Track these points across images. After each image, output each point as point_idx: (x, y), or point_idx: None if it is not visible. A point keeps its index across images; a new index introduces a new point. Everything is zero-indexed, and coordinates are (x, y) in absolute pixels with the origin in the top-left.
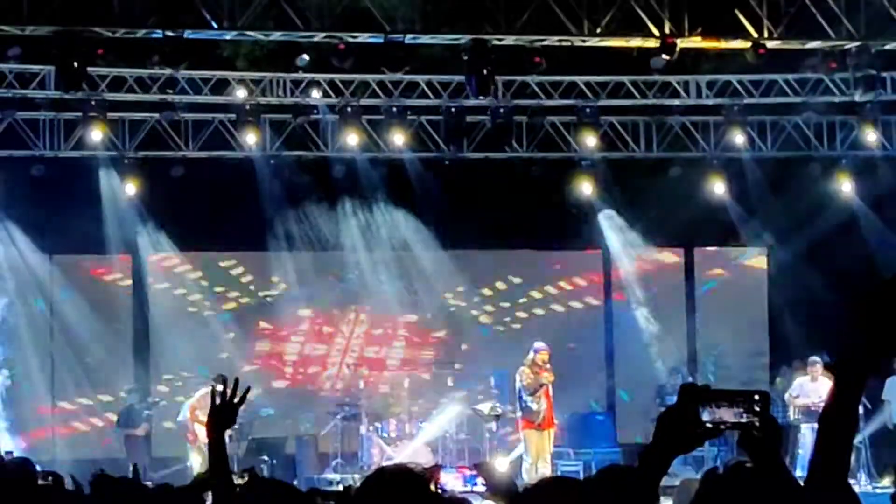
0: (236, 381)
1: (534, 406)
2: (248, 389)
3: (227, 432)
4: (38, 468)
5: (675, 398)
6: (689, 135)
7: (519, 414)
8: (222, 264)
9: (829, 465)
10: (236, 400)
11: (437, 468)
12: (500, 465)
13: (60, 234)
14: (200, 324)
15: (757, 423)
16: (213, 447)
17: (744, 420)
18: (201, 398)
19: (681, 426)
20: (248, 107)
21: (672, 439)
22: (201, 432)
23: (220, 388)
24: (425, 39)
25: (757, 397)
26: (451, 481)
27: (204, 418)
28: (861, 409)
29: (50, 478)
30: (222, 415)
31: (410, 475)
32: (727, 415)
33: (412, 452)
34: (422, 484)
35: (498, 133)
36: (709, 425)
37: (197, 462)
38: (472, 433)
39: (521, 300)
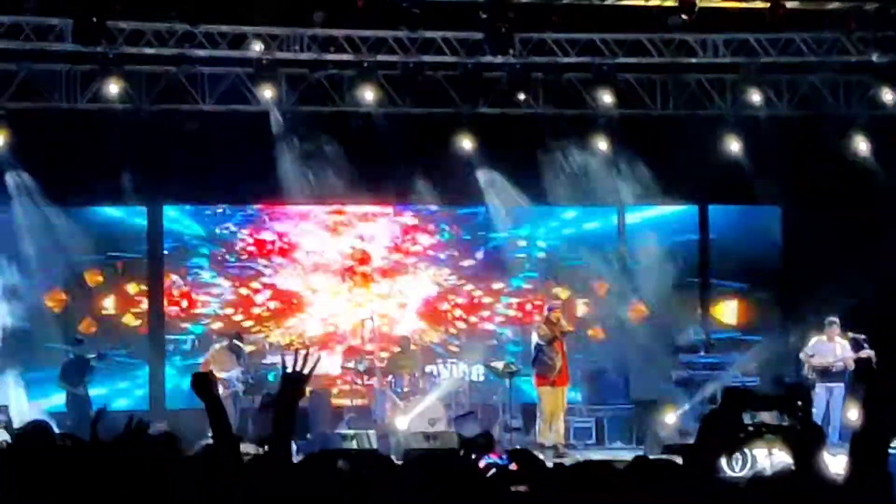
0: (306, 353)
1: (549, 361)
2: (317, 360)
3: (240, 387)
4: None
5: (688, 357)
6: (706, 93)
7: (533, 370)
8: (232, 218)
9: (867, 470)
10: (306, 371)
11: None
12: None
13: (76, 187)
14: (207, 278)
15: (798, 427)
16: (279, 417)
17: (784, 424)
18: (215, 353)
19: (724, 430)
20: (264, 61)
21: (716, 442)
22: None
23: (289, 358)
24: None
25: (799, 403)
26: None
27: (218, 374)
28: None
29: (68, 441)
30: (292, 385)
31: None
32: (768, 419)
33: (425, 409)
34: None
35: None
36: (750, 429)
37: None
38: (485, 390)
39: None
